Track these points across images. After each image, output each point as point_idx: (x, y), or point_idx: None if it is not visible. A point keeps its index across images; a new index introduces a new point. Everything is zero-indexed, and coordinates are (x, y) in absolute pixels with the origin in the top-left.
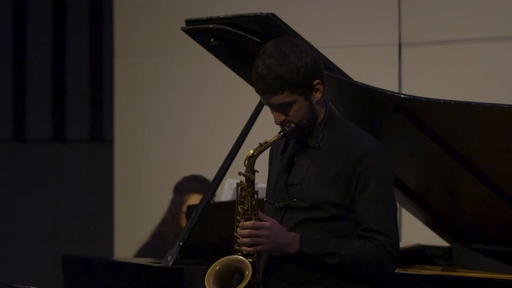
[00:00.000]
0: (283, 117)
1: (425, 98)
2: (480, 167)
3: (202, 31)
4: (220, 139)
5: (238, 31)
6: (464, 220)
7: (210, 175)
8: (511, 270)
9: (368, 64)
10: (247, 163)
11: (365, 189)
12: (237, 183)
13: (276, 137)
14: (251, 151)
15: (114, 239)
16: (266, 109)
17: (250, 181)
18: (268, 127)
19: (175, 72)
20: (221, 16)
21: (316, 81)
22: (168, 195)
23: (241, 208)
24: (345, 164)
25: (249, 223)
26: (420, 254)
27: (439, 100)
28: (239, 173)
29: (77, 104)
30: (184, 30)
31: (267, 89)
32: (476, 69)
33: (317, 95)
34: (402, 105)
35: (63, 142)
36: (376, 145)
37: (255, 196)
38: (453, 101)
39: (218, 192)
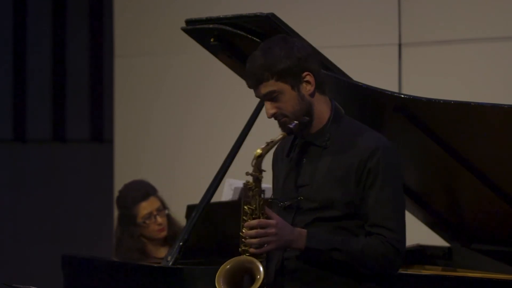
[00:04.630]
0: (274, 110)
1: (425, 98)
2: (480, 167)
3: (202, 31)
4: (220, 139)
5: (238, 31)
6: (464, 220)
7: (210, 175)
8: (511, 270)
9: (368, 64)
10: (255, 163)
11: (373, 184)
12: (244, 184)
13: (281, 135)
14: (259, 151)
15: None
16: None
17: (258, 181)
18: (268, 127)
19: (175, 72)
20: (221, 16)
21: (305, 73)
22: (168, 196)
23: (248, 208)
24: (354, 161)
25: (254, 222)
26: (420, 254)
27: (439, 100)
28: (247, 173)
29: (77, 104)
30: (184, 30)
31: (254, 80)
32: (476, 69)
33: (308, 88)
34: (402, 105)
35: (63, 142)
36: (385, 141)
37: (262, 195)
38: (453, 101)
39: (218, 192)
